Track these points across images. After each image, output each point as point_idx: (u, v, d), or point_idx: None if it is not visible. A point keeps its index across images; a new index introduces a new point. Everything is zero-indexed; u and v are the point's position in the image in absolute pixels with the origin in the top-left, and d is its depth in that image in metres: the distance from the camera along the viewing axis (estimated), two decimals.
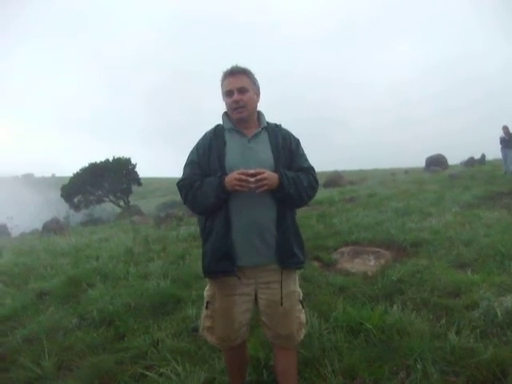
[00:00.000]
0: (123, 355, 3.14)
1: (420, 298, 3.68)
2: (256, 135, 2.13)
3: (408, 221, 7.20)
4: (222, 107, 2.21)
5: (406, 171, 25.41)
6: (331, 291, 4.08)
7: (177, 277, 4.89)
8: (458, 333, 2.91)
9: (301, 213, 9.95)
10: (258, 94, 2.17)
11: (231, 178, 1.95)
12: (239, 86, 2.07)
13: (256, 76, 2.16)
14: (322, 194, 14.46)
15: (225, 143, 2.09)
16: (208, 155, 2.08)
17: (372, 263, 5.21)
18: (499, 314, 3.12)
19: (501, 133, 14.76)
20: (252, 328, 3.32)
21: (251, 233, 2.04)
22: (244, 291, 2.11)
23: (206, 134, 2.19)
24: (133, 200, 29.64)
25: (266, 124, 2.19)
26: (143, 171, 29.96)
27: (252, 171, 1.93)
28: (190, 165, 2.13)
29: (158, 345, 3.19)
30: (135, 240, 8.20)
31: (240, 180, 1.92)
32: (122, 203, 28.18)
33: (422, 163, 24.54)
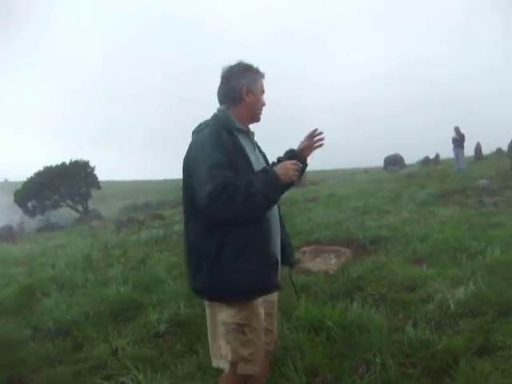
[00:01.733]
0: (81, 366, 3.04)
1: (379, 293, 3.78)
2: (252, 134, 2.06)
3: (367, 219, 7.39)
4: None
5: (366, 171, 26.06)
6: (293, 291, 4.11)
7: (138, 282, 4.79)
8: (414, 326, 3.02)
9: None
10: None
11: (287, 169, 1.82)
12: None
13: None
14: (285, 194, 14.60)
15: (241, 144, 1.90)
16: (233, 156, 1.80)
17: (333, 262, 5.31)
18: (452, 305, 3.26)
19: (453, 133, 15.45)
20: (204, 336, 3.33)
21: (277, 240, 1.97)
22: (268, 299, 2.01)
23: (217, 132, 1.84)
24: (92, 204, 28.79)
25: None
26: (104, 174, 29.20)
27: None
28: (220, 167, 1.74)
29: (116, 353, 3.10)
30: (94, 246, 7.97)
31: (296, 169, 1.83)
32: (80, 208, 27.33)
33: (380, 163, 25.27)
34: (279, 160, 2.12)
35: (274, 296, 2.09)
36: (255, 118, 2.04)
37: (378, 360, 2.63)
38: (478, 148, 21.29)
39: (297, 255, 5.71)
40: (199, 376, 2.73)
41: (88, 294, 4.60)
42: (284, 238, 2.05)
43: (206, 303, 1.97)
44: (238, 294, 1.80)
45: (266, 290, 1.87)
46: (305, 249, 5.93)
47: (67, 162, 27.35)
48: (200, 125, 1.98)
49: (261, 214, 1.81)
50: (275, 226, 1.95)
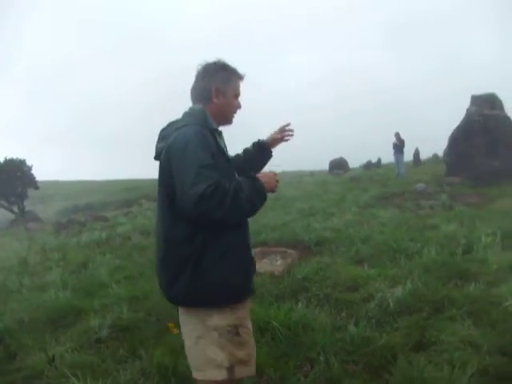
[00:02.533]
0: (15, 376, 2.87)
1: (323, 293, 3.88)
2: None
3: (312, 221, 7.56)
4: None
5: (312, 173, 26.69)
6: None
7: (78, 286, 4.59)
8: (356, 324, 3.12)
9: None
10: None
11: (271, 178, 1.79)
12: None
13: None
14: None
15: (221, 145, 1.85)
16: (217, 157, 1.74)
17: (279, 263, 5.38)
18: (391, 303, 3.41)
19: (394, 139, 16.22)
20: (161, 335, 3.26)
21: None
22: None
23: (201, 132, 1.75)
24: (30, 205, 27.25)
25: None
26: (47, 174, 27.74)
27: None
28: (209, 167, 1.67)
29: (53, 361, 2.95)
30: (30, 249, 7.54)
31: (277, 181, 1.81)
32: (15, 209, 25.76)
33: (326, 166, 25.97)
34: (245, 151, 2.17)
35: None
36: (226, 120, 1.98)
37: (321, 358, 2.69)
38: (416, 153, 22.52)
39: None
40: (142, 381, 2.66)
41: (23, 299, 4.35)
42: None
43: (184, 312, 1.83)
44: (225, 297, 1.74)
45: (249, 292, 1.83)
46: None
47: (1, 160, 25.74)
48: (173, 122, 1.89)
49: (244, 218, 1.79)
50: (249, 231, 1.92)
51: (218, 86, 1.88)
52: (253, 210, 1.72)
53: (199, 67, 1.94)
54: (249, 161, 2.18)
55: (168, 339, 3.15)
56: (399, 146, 15.95)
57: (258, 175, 1.78)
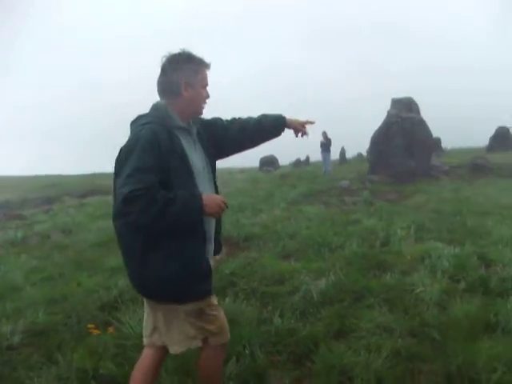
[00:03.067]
0: None
1: (250, 288, 3.92)
2: (196, 135, 1.98)
3: (241, 217, 7.61)
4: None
5: (242, 170, 26.87)
6: None
7: None
8: (281, 316, 3.19)
9: None
10: None
11: (215, 202, 1.78)
12: None
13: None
14: None
15: (182, 145, 1.83)
16: (168, 159, 1.74)
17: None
18: (315, 295, 3.54)
19: (321, 137, 16.82)
20: (81, 338, 3.10)
21: (211, 245, 1.98)
22: None
23: (153, 129, 1.75)
24: None
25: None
26: None
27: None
28: (143, 171, 1.66)
29: None
30: None
31: (222, 209, 1.81)
32: None
33: (256, 163, 26.27)
34: (263, 117, 2.18)
35: None
36: (196, 112, 1.97)
37: (247, 351, 2.71)
38: (342, 152, 23.61)
39: None
40: None
41: None
42: (218, 234, 2.05)
43: (152, 303, 1.94)
44: (173, 296, 1.82)
45: (198, 293, 1.85)
46: None
47: None
48: (140, 117, 1.89)
49: (174, 228, 1.75)
50: (210, 231, 1.94)
51: (186, 80, 1.87)
52: (178, 225, 1.73)
53: (164, 59, 1.90)
54: (257, 128, 2.18)
55: (88, 341, 3.01)
56: (326, 145, 16.58)
57: (205, 196, 1.77)
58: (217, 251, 2.09)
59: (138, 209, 1.61)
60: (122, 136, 1.94)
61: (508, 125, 22.37)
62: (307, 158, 25.63)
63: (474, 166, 13.45)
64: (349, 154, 24.36)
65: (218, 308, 1.99)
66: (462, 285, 3.68)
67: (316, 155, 17.91)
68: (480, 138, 22.20)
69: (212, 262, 1.98)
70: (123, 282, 4.04)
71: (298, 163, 25.21)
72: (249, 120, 2.19)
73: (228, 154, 2.23)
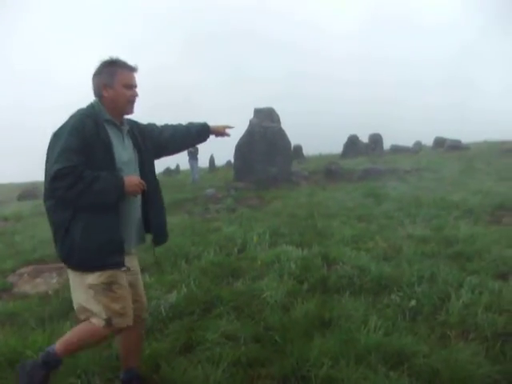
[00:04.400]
0: None
1: None
2: (127, 132, 2.26)
3: None
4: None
5: None
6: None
7: None
8: None
9: None
10: None
11: (133, 182, 2.07)
12: (136, 82, 2.22)
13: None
14: (10, 208, 12.75)
15: (109, 135, 2.11)
16: (92, 144, 2.02)
17: (55, 280, 4.91)
18: (163, 310, 3.43)
19: None
20: None
21: (131, 222, 2.22)
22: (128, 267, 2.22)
23: (83, 120, 2.05)
24: None
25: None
26: None
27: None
28: (71, 151, 1.95)
29: None
30: None
31: (141, 189, 2.11)
32: None
33: None
34: (190, 125, 2.58)
35: (135, 267, 2.38)
36: (123, 110, 2.21)
37: (85, 380, 2.52)
38: (211, 160, 23.95)
39: (12, 278, 5.04)
40: None
41: None
42: (155, 219, 2.33)
43: (70, 270, 2.17)
44: (84, 264, 2.08)
45: (103, 267, 2.07)
46: (22, 270, 5.28)
47: None
48: (78, 110, 2.14)
49: (97, 204, 2.01)
50: (129, 212, 2.19)
51: (104, 82, 2.15)
52: (103, 201, 2.02)
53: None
54: (186, 133, 2.56)
55: None
56: (193, 153, 16.59)
57: (127, 177, 2.07)
58: (158, 240, 2.40)
59: (66, 184, 1.91)
60: None
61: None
62: (177, 166, 25.37)
63: (328, 171, 14.74)
64: (219, 162, 24.82)
65: (125, 289, 2.18)
66: (305, 285, 3.92)
67: (187, 163, 17.77)
68: (337, 144, 24.43)
69: (133, 246, 2.30)
70: None
71: (167, 172, 24.78)
72: (179, 126, 2.56)
73: (162, 155, 2.57)
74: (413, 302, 3.36)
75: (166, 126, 2.54)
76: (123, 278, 2.18)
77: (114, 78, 2.15)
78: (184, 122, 2.66)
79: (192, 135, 2.58)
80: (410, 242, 5.32)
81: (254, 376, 2.56)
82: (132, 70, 2.21)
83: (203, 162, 20.83)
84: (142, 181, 2.13)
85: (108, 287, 2.11)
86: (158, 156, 2.54)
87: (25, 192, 18.13)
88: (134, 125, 2.37)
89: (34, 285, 4.86)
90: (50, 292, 4.45)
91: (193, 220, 8.07)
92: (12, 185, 27.75)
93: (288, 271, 4.24)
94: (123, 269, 2.15)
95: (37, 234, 7.27)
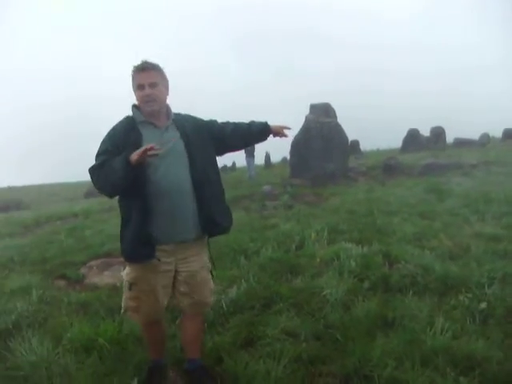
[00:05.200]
0: None
1: None
2: (167, 127, 2.32)
3: None
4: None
5: None
6: (72, 310, 3.81)
7: None
8: None
9: (50, 228, 9.03)
10: (167, 87, 2.35)
11: (137, 152, 2.04)
12: (150, 80, 2.22)
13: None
14: (79, 205, 13.57)
15: (141, 135, 2.23)
16: (123, 147, 2.15)
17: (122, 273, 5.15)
18: (224, 304, 3.50)
19: None
20: None
21: (172, 216, 2.24)
22: (166, 268, 2.31)
23: (117, 125, 2.29)
24: None
25: (173, 116, 2.38)
26: None
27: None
28: (103, 154, 2.18)
29: None
30: None
31: (145, 153, 2.03)
32: None
33: None
34: (251, 124, 2.60)
35: (191, 267, 2.39)
36: (145, 110, 2.28)
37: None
38: (267, 157, 24.05)
39: (82, 270, 5.36)
40: None
41: None
42: (201, 211, 2.31)
43: None
44: (124, 256, 2.30)
45: (132, 259, 2.26)
46: (92, 263, 5.61)
47: None
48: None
49: (114, 185, 2.13)
50: (163, 205, 2.21)
51: (132, 88, 2.31)
52: (115, 181, 2.10)
53: None
54: (247, 131, 2.58)
55: None
56: (250, 150, 16.74)
57: (135, 152, 2.05)
58: (207, 231, 2.42)
59: (95, 177, 2.18)
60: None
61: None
62: (233, 164, 25.74)
63: (387, 166, 14.30)
64: (274, 159, 24.87)
65: (147, 295, 2.31)
66: (366, 284, 3.85)
67: (243, 161, 17.98)
68: (396, 139, 23.63)
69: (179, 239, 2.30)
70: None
71: (224, 169, 25.23)
72: (240, 124, 2.60)
73: (223, 151, 2.61)
74: (483, 305, 3.19)
75: (227, 123, 2.59)
76: (149, 280, 2.29)
77: (133, 83, 2.29)
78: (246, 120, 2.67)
79: (253, 133, 2.61)
80: (479, 240, 5.04)
81: (316, 373, 2.56)
82: (140, 70, 2.24)
83: (259, 159, 20.98)
84: (149, 147, 2.02)
85: (129, 286, 2.35)
86: (220, 152, 2.57)
87: (91, 189, 19.19)
88: (188, 120, 2.43)
89: (103, 277, 5.14)
90: (117, 284, 4.69)
91: (250, 216, 8.15)
92: (79, 183, 29.59)
93: (348, 269, 4.17)
94: (153, 260, 2.22)
95: (105, 229, 7.68)
